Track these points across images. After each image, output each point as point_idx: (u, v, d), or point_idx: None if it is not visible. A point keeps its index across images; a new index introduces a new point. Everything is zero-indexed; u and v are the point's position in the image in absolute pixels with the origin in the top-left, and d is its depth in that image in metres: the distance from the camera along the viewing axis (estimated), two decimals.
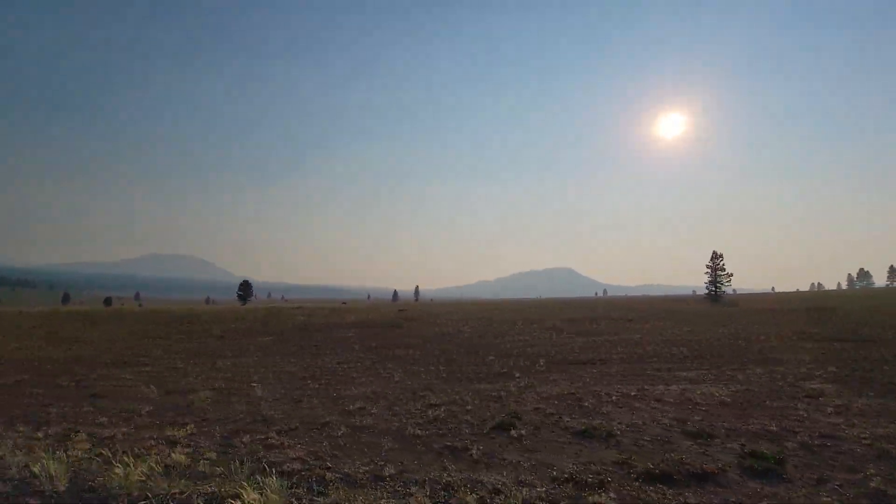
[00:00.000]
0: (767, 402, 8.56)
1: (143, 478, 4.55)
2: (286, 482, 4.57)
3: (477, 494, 4.61)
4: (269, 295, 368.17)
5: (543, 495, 4.63)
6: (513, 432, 6.95)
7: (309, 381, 12.17)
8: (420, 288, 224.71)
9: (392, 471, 5.41)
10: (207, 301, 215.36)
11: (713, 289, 66.57)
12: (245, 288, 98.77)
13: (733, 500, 4.54)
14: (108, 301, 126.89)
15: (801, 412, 7.80)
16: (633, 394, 9.50)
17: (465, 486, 4.86)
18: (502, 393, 10.03)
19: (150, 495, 4.16)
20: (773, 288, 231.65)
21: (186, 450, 6.19)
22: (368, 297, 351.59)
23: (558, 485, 4.96)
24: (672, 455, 5.75)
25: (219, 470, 5.22)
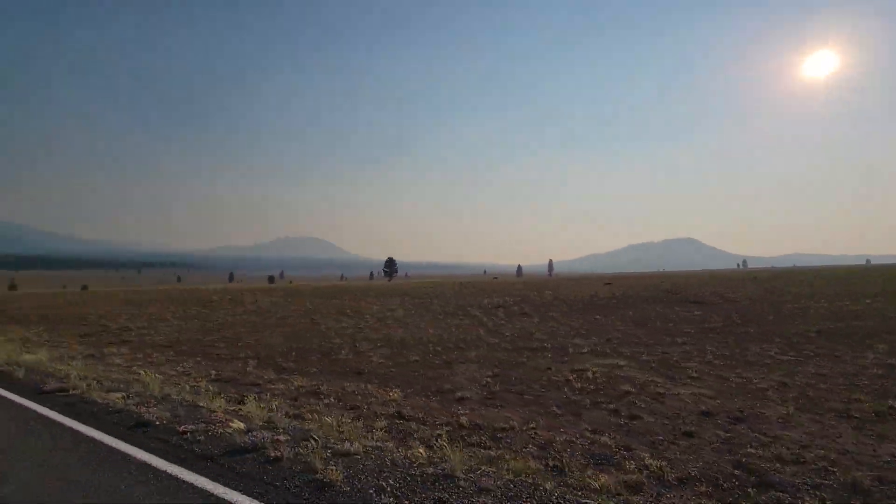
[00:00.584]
0: None
1: None
2: None
3: None
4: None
5: None
6: None
7: None
8: (525, 264, 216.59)
9: None
10: (342, 278, 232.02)
11: None
12: (390, 265, 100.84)
13: None
14: (271, 279, 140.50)
15: None
16: None
17: None
18: None
19: None
20: None
21: None
22: (485, 272, 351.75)
23: None
24: None
25: None
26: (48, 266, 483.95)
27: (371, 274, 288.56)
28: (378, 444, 4.85)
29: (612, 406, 6.81)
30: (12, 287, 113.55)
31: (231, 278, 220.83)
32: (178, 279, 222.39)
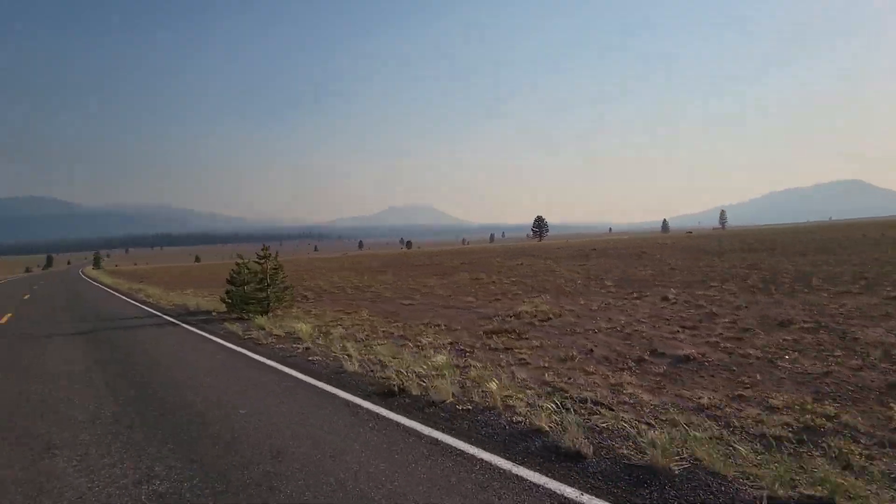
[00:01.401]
0: None
1: None
2: None
3: None
4: (504, 234, 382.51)
5: None
6: None
7: None
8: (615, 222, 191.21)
9: None
10: (463, 242, 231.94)
11: None
12: (540, 224, 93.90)
13: None
14: (409, 244, 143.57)
15: None
16: None
17: None
18: None
19: None
20: None
21: None
22: (610, 230, 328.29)
23: None
24: None
25: None
26: (207, 242, 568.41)
27: (491, 237, 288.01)
28: None
29: None
30: (197, 259, 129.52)
31: (360, 246, 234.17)
32: (315, 248, 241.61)
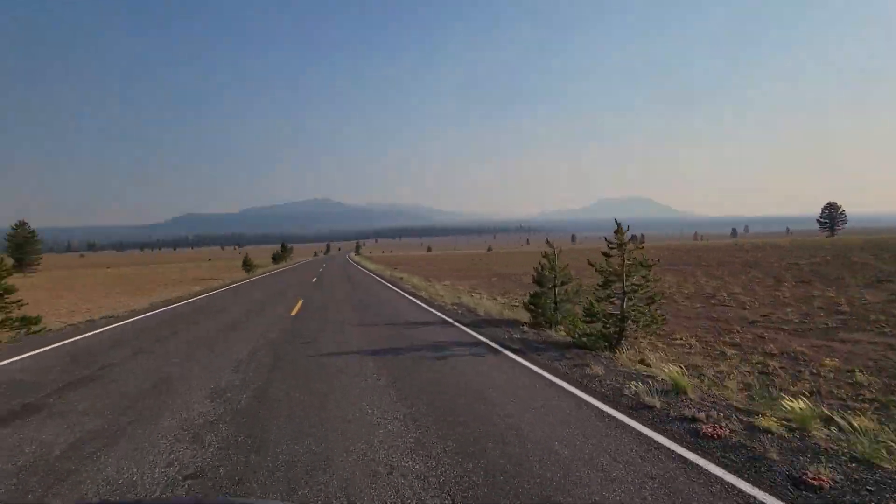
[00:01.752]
0: None
1: None
2: None
3: None
4: (746, 229, 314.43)
5: None
6: None
7: None
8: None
9: None
10: (695, 237, 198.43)
11: None
12: (832, 214, 69.99)
13: None
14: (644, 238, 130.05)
15: None
16: None
17: None
18: None
19: None
20: None
21: None
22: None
23: None
24: None
25: None
26: (432, 234, 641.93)
27: (733, 231, 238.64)
28: None
29: None
30: (429, 249, 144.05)
31: (573, 240, 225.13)
32: (528, 241, 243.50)
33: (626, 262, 6.51)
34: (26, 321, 9.21)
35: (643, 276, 6.58)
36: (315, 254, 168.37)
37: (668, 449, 3.48)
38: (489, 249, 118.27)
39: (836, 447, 3.45)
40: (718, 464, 3.24)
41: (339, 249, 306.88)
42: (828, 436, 3.66)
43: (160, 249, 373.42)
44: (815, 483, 2.89)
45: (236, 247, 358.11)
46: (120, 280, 34.24)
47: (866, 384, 5.82)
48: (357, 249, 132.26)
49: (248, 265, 36.37)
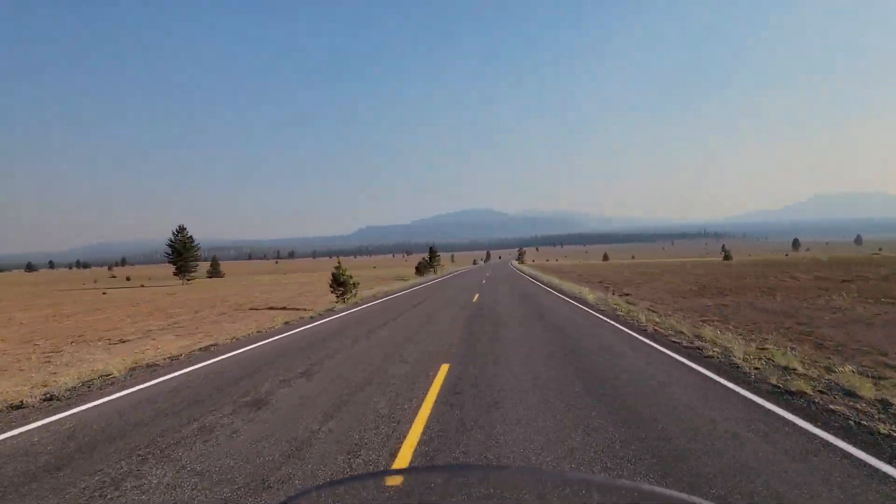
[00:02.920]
0: None
1: None
2: None
3: None
4: None
5: None
6: None
7: None
8: None
9: None
10: None
11: None
12: None
13: None
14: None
15: None
16: None
17: None
18: None
19: None
20: None
21: None
22: None
23: None
24: None
25: None
26: (600, 241, 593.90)
27: None
28: None
29: None
30: (605, 258, 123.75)
31: (796, 245, 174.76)
32: (723, 248, 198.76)
33: None
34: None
35: None
36: (474, 262, 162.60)
37: None
38: (685, 261, 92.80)
39: None
40: None
41: (500, 257, 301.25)
42: None
43: (354, 257, 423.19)
44: None
45: (405, 254, 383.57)
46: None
47: None
48: (519, 257, 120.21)
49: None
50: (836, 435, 3.54)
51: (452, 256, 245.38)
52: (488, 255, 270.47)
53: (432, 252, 52.26)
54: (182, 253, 58.94)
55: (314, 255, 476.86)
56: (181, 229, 60.00)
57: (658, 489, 1.06)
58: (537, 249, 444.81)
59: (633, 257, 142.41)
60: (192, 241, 60.64)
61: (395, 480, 1.32)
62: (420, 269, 43.05)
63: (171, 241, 59.06)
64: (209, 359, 7.43)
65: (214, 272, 77.21)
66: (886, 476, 2.88)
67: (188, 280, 59.37)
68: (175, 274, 59.25)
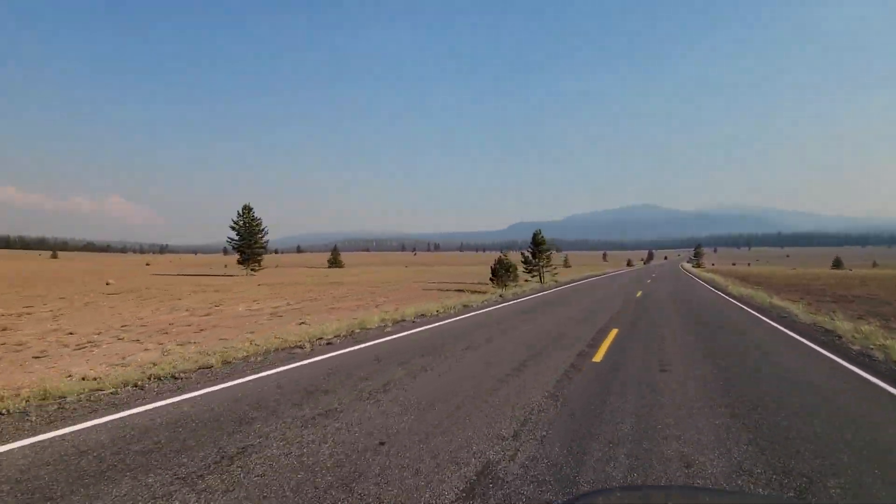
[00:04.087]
0: None
1: None
2: None
3: None
4: None
5: None
6: None
7: None
8: None
9: None
10: None
11: None
12: None
13: None
14: None
15: None
16: None
17: None
18: None
19: None
20: None
21: None
22: None
23: None
24: None
25: None
26: (797, 243, 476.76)
27: None
28: None
29: None
30: (836, 265, 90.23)
31: None
32: None
33: None
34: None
35: None
36: (628, 263, 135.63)
37: None
38: None
39: None
40: None
41: (666, 258, 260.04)
42: None
43: (501, 252, 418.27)
44: None
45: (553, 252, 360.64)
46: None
47: None
48: (695, 258, 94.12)
49: None
50: None
51: (605, 255, 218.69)
52: (650, 256, 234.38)
53: (538, 243, 34.21)
54: (246, 239, 51.95)
55: (461, 248, 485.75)
56: (247, 210, 53.67)
57: None
58: (715, 250, 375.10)
59: (874, 264, 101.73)
60: (260, 225, 53.53)
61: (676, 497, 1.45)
62: (498, 276, 26.09)
63: (234, 224, 52.96)
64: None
65: (335, 262, 74.84)
66: None
67: (252, 271, 53.05)
68: (239, 263, 52.76)
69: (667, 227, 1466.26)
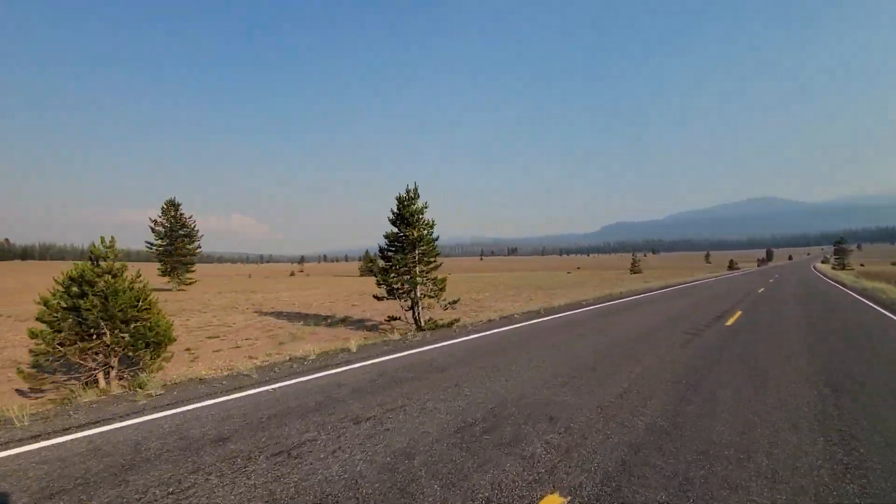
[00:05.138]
0: None
1: None
2: None
3: None
4: None
5: None
6: None
7: None
8: None
9: None
10: None
11: None
12: None
13: None
14: None
15: None
16: None
17: None
18: None
19: None
20: None
21: None
22: None
23: None
24: None
25: None
26: None
27: None
28: None
29: None
30: None
31: None
32: None
33: None
34: None
35: None
36: (730, 265, 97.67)
37: None
38: None
39: None
40: None
41: (790, 259, 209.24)
42: None
43: (591, 256, 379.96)
44: None
45: (644, 254, 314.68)
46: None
47: None
48: (837, 255, 61.32)
49: None
50: None
51: (707, 255, 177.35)
52: (769, 255, 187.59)
53: (407, 215, 12.94)
54: (173, 242, 37.67)
55: (543, 251, 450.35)
56: (171, 205, 38.50)
57: None
58: (859, 247, 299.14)
59: None
60: (192, 226, 39.13)
61: None
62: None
63: (155, 225, 37.91)
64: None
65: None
66: None
67: (183, 283, 37.69)
68: (162, 273, 37.23)
69: (788, 221, 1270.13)
